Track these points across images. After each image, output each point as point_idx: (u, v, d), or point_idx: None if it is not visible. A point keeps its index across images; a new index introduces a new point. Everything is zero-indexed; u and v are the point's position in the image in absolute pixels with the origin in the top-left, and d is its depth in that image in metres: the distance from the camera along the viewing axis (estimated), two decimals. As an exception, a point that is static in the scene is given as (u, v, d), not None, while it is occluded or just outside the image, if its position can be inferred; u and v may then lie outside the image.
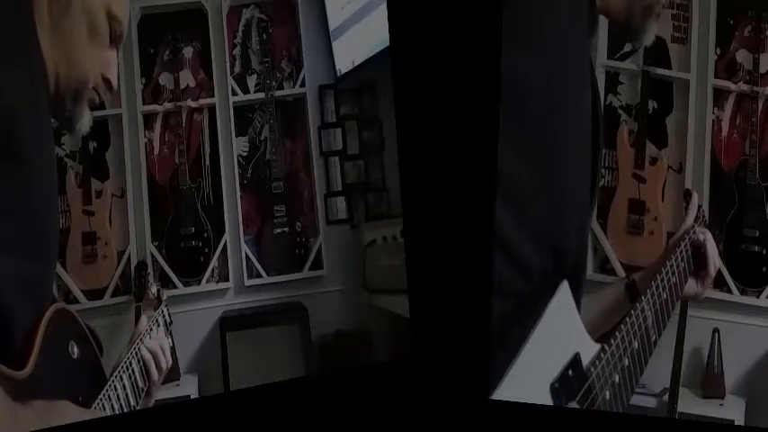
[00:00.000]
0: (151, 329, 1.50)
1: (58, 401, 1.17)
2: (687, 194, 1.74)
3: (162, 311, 1.57)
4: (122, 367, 1.34)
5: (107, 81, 1.37)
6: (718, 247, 1.96)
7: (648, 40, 1.36)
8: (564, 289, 1.10)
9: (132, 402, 1.35)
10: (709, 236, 1.40)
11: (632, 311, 1.21)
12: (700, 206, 1.50)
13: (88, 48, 1.33)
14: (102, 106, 2.28)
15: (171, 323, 1.60)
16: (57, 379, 1.19)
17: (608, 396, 1.13)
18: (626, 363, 1.17)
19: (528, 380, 1.07)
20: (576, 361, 1.09)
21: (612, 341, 1.15)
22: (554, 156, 1.14)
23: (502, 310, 1.11)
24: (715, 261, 1.41)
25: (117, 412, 1.30)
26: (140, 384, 1.39)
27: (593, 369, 1.11)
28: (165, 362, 1.49)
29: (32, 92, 1.21)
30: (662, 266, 1.30)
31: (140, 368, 1.40)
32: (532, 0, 1.16)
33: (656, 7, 1.33)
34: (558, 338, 1.10)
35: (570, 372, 1.09)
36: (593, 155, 1.26)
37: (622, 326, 1.18)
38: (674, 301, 1.32)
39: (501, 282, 1.12)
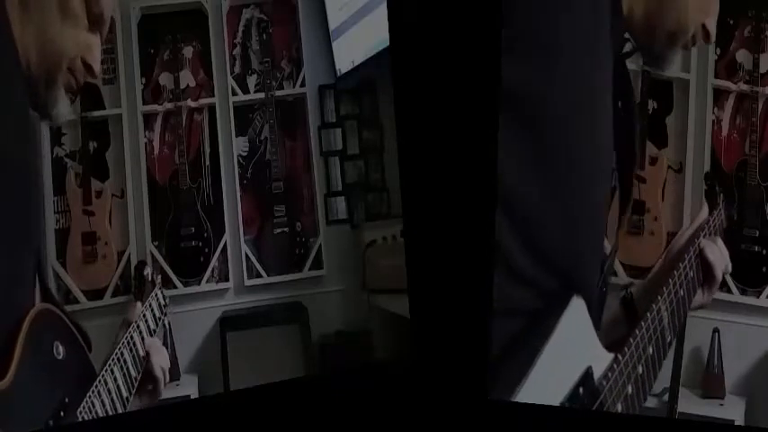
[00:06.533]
0: (144, 315, 1.47)
1: None
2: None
3: (156, 294, 1.54)
4: (113, 359, 1.31)
5: (87, 66, 1.29)
6: (718, 248, 1.97)
7: (669, 69, 1.32)
8: (576, 303, 1.06)
9: (125, 394, 1.33)
10: (710, 248, 1.35)
11: (648, 314, 1.17)
12: (710, 218, 1.45)
13: (60, 28, 1.25)
14: (101, 106, 2.28)
15: (166, 305, 1.58)
16: (40, 383, 1.14)
17: (620, 409, 1.10)
18: (640, 371, 1.12)
19: (538, 398, 1.03)
20: (587, 376, 1.05)
21: (626, 349, 1.11)
22: (563, 169, 1.10)
23: (508, 328, 1.07)
24: (721, 268, 1.36)
25: (109, 406, 1.28)
26: (133, 374, 1.36)
27: (605, 383, 1.06)
28: (164, 360, 1.45)
29: (5, 84, 1.15)
30: (675, 267, 1.26)
31: (132, 357, 1.37)
32: (534, 10, 1.12)
33: (682, 36, 1.29)
34: (570, 354, 1.05)
35: (581, 390, 1.04)
36: (625, 166, 1.21)
37: (637, 331, 1.13)
38: (691, 297, 1.28)
39: (508, 299, 1.08)
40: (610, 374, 1.08)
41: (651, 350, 1.15)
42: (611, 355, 1.10)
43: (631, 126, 1.26)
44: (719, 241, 1.37)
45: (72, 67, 1.27)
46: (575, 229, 1.11)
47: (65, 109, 1.29)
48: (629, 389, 1.11)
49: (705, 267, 1.32)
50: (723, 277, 1.95)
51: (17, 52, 1.18)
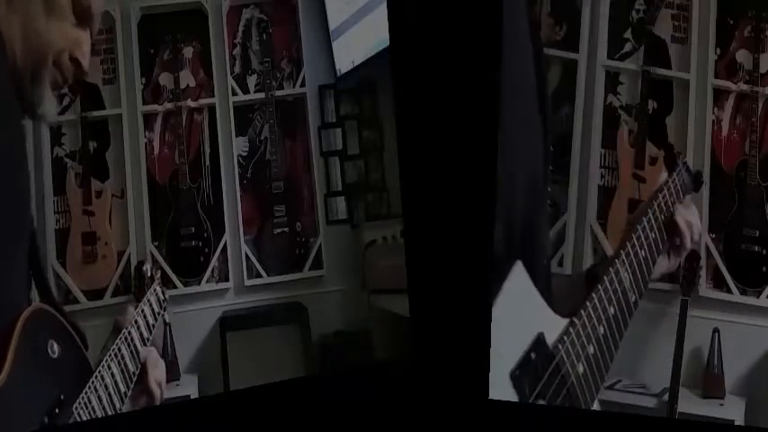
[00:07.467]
0: (143, 311, 1.46)
1: None
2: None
3: (154, 289, 1.53)
4: (110, 355, 1.30)
5: (75, 61, 1.25)
6: (718, 248, 1.97)
7: None
8: (517, 270, 1.05)
9: (123, 389, 1.32)
10: (681, 215, 1.31)
11: (605, 277, 1.17)
12: (668, 179, 1.39)
13: (46, 21, 1.21)
14: (101, 106, 2.28)
15: (165, 301, 1.57)
16: (35, 382, 1.14)
17: (581, 369, 1.09)
18: (601, 331, 1.13)
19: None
20: (538, 342, 1.05)
21: (583, 312, 1.11)
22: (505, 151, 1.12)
23: None
24: (690, 233, 1.31)
25: (106, 401, 1.27)
26: (131, 369, 1.36)
27: (560, 346, 1.07)
28: (160, 374, 1.43)
29: None
30: (633, 230, 1.25)
31: (130, 352, 1.36)
32: None
33: None
34: (517, 323, 1.06)
35: (533, 355, 1.04)
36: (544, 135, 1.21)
37: (593, 294, 1.13)
38: (654, 257, 1.26)
39: None
40: (566, 338, 1.08)
41: (613, 310, 1.15)
42: (566, 320, 1.10)
43: (545, 113, 1.26)
44: (693, 208, 1.33)
45: (58, 61, 1.25)
46: (516, 201, 1.11)
47: (52, 108, 1.26)
48: (591, 348, 1.11)
49: (675, 233, 1.29)
50: (721, 275, 1.97)
51: (3, 45, 1.17)
